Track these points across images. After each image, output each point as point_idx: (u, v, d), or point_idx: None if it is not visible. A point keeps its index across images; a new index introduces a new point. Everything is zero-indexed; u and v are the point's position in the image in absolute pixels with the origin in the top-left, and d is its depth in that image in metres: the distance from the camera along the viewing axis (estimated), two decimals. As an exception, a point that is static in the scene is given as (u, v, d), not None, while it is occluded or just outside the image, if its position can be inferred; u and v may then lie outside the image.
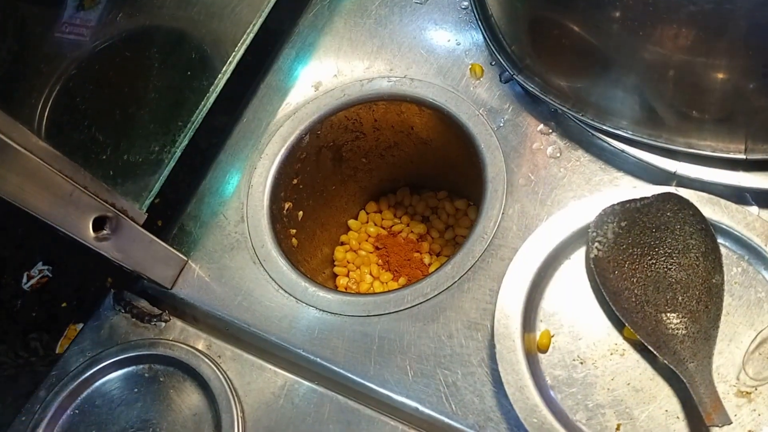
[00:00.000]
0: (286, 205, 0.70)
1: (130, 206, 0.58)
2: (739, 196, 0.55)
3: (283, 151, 0.68)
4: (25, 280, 0.96)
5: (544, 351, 0.54)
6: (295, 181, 0.71)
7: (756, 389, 0.50)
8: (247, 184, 0.67)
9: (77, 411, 0.58)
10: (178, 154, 0.63)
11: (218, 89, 0.65)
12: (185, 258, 0.65)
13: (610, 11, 0.53)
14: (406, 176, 0.81)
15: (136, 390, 0.58)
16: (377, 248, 0.80)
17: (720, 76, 0.51)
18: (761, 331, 0.51)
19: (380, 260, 0.79)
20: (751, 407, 0.50)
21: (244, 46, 0.67)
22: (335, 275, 0.79)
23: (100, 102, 0.55)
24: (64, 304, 0.95)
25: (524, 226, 0.59)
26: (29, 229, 0.93)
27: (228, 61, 0.66)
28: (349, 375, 0.57)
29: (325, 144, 0.72)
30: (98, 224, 0.55)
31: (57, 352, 0.95)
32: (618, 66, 0.56)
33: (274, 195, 0.67)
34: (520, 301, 0.54)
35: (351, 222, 0.82)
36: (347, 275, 0.79)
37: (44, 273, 0.96)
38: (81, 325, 0.95)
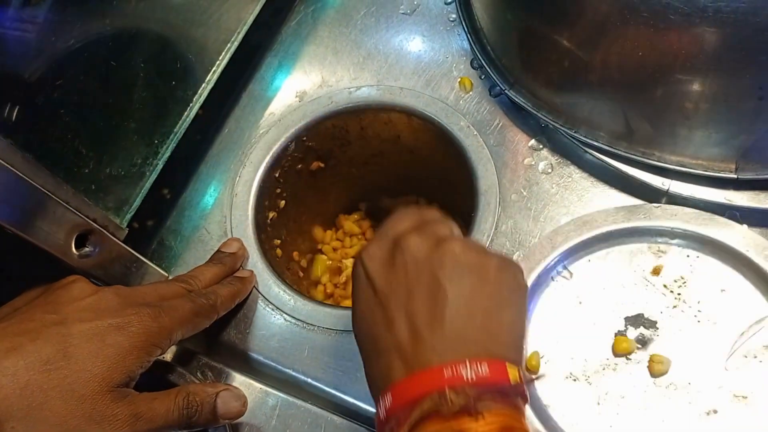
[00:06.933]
0: (270, 215, 0.69)
1: (110, 221, 0.56)
2: (728, 213, 0.56)
3: (268, 158, 0.67)
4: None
5: (535, 372, 0.53)
6: (278, 190, 0.69)
7: (752, 393, 0.51)
8: (230, 195, 0.65)
9: None
10: (160, 166, 0.60)
11: (202, 99, 0.63)
12: (166, 274, 0.62)
13: (604, 28, 0.53)
14: (389, 184, 0.80)
15: (119, 412, 0.56)
16: (357, 258, 0.79)
17: (715, 97, 0.52)
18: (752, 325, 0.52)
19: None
20: (748, 411, 0.50)
21: (229, 55, 0.65)
22: (315, 285, 0.78)
23: (83, 112, 0.52)
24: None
25: (517, 242, 0.59)
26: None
27: (212, 71, 0.63)
28: (343, 396, 0.56)
29: (310, 152, 0.71)
30: (80, 241, 0.52)
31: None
32: (610, 83, 0.56)
33: (258, 204, 0.66)
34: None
35: (331, 232, 0.80)
36: (325, 285, 0.78)
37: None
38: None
